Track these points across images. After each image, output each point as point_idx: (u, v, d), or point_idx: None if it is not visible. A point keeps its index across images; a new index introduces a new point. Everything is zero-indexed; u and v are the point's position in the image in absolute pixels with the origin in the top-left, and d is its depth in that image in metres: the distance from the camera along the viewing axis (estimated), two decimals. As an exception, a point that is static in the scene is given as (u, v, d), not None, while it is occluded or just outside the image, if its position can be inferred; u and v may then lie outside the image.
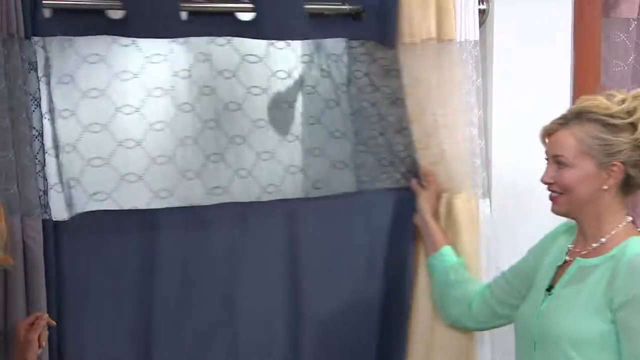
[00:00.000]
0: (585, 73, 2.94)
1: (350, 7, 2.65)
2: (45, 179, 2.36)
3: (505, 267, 2.62)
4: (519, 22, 2.83)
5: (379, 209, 2.74)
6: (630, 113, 2.28)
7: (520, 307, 2.45)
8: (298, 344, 2.66)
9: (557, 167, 2.33)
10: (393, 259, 2.74)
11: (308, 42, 2.71)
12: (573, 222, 2.44)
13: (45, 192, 2.36)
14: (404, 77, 2.68)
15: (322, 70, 2.73)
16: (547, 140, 2.38)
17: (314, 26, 2.62)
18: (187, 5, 2.49)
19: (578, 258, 2.35)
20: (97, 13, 2.41)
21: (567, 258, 2.38)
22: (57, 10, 2.37)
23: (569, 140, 2.31)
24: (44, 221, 2.33)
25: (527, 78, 2.84)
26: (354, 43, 2.73)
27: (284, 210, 2.64)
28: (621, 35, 3.10)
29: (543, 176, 2.37)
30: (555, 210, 2.38)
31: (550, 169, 2.35)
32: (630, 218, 2.37)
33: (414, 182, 2.72)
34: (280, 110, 2.74)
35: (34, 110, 2.33)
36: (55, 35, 2.38)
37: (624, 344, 2.24)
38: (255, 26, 2.55)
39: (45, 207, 2.35)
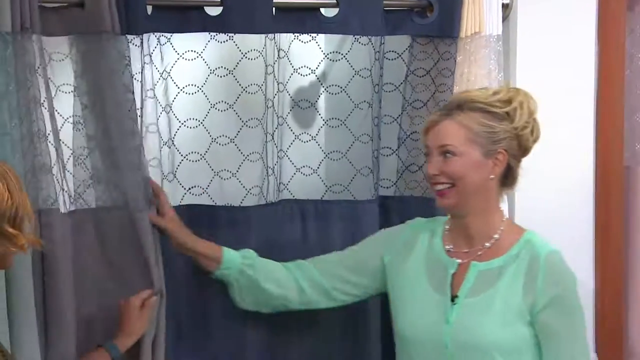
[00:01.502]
0: (610, 67, 2.92)
1: (419, 1, 2.65)
2: (65, 172, 2.37)
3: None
4: (543, 16, 2.81)
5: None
6: (506, 103, 2.31)
7: (406, 317, 2.36)
8: None
9: (443, 159, 2.29)
10: None
11: (378, 39, 2.64)
12: (422, 220, 2.46)
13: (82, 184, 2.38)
14: (455, 74, 2.67)
15: (380, 68, 2.67)
16: (428, 134, 2.34)
17: (387, 22, 2.62)
18: (278, 1, 2.51)
19: (474, 262, 2.32)
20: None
21: (459, 261, 2.34)
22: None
23: (455, 129, 2.29)
24: (62, 214, 2.34)
25: (550, 72, 2.82)
26: (420, 40, 2.69)
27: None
28: (646, 29, 3.07)
29: (429, 168, 2.32)
30: (444, 204, 2.33)
31: (436, 161, 2.31)
32: (504, 210, 2.38)
33: (150, 214, 2.43)
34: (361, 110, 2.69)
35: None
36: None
37: (545, 346, 2.25)
38: (339, 22, 2.56)
39: (74, 199, 2.36)
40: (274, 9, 2.52)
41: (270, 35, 2.53)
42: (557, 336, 2.25)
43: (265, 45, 2.53)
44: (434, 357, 2.31)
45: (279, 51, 2.57)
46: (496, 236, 2.33)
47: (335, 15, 2.58)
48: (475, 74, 2.68)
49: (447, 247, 2.37)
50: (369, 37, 2.61)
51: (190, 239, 2.47)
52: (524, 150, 2.35)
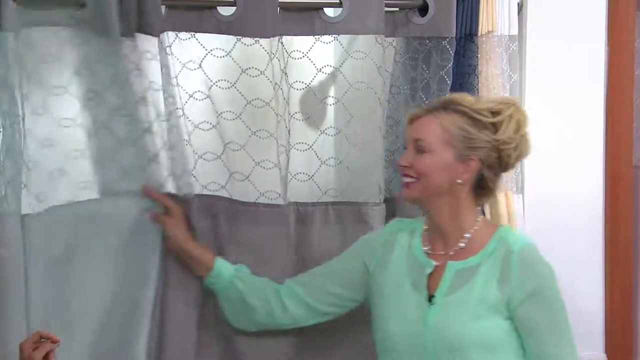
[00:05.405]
0: (619, 67, 2.92)
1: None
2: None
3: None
4: (553, 16, 2.81)
5: None
6: (494, 114, 2.29)
7: (389, 319, 2.34)
8: None
9: (416, 153, 2.31)
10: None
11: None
12: (403, 220, 2.45)
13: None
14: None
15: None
16: (409, 126, 2.35)
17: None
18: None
19: (450, 262, 2.31)
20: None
21: (436, 263, 2.33)
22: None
23: (433, 126, 2.30)
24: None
25: (560, 72, 2.82)
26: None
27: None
28: (656, 29, 3.08)
29: (400, 160, 2.35)
30: (407, 195, 2.34)
31: (409, 153, 2.32)
32: (481, 212, 2.38)
33: (152, 214, 2.49)
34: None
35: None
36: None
37: (527, 341, 2.25)
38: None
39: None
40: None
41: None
42: (538, 330, 2.25)
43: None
44: (413, 357, 2.30)
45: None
46: (468, 235, 2.32)
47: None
48: (492, 74, 2.69)
49: (425, 248, 2.37)
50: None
51: (187, 241, 2.48)
52: (504, 165, 2.32)
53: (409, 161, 2.31)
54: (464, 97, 2.33)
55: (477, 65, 2.68)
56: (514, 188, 2.73)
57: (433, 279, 2.32)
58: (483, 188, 2.33)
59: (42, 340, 2.06)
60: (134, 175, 2.49)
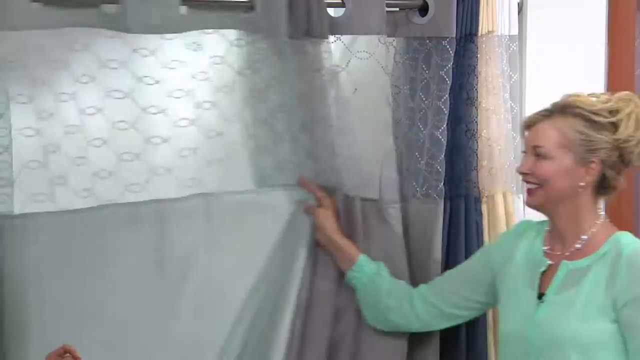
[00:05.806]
0: (620, 67, 2.93)
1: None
2: None
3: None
4: (553, 16, 2.82)
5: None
6: (613, 113, 2.27)
7: (504, 314, 2.39)
8: None
9: (536, 159, 2.30)
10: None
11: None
12: (531, 221, 2.47)
13: None
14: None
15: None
16: (527, 132, 2.36)
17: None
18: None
19: (564, 261, 2.32)
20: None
21: (550, 262, 2.34)
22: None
23: (551, 131, 2.29)
24: None
25: (560, 72, 2.82)
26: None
27: None
28: (656, 29, 3.08)
29: (520, 166, 2.35)
30: (530, 203, 2.35)
31: (529, 160, 2.32)
32: (604, 214, 2.34)
33: (305, 205, 2.61)
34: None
35: None
36: None
37: (630, 343, 2.22)
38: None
39: None
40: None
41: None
42: None
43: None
44: (521, 354, 2.32)
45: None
46: (585, 237, 2.31)
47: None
48: (492, 74, 2.69)
49: (544, 248, 2.38)
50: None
51: (335, 233, 2.57)
52: (627, 162, 2.30)
53: (529, 168, 2.31)
54: (582, 99, 2.30)
55: (477, 65, 2.68)
56: (514, 188, 2.73)
57: (546, 277, 2.33)
58: (605, 187, 2.32)
59: (66, 355, 2.11)
60: (290, 169, 2.60)
